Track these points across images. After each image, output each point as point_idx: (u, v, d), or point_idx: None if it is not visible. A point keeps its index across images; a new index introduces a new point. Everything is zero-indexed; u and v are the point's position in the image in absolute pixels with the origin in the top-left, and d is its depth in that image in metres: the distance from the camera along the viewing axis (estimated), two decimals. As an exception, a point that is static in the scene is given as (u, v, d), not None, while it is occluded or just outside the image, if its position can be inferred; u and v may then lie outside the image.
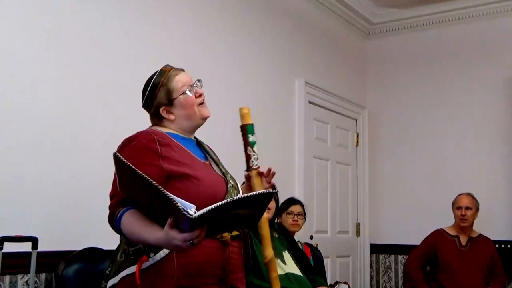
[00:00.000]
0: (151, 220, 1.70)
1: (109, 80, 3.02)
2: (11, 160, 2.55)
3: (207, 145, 2.12)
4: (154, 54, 3.28)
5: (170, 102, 1.98)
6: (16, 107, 2.59)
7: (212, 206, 1.50)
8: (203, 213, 1.49)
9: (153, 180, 1.56)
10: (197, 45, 3.61)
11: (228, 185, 1.95)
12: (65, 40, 2.82)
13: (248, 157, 2.14)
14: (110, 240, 2.82)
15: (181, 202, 1.51)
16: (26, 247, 2.46)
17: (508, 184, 4.89)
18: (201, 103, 2.01)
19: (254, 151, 2.13)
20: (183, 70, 2.06)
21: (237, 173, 2.16)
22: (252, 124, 2.17)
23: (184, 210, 1.49)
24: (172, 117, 1.98)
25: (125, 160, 1.59)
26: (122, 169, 1.62)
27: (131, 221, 1.72)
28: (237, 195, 1.94)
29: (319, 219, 4.83)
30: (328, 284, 3.72)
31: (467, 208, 4.23)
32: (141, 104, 3.20)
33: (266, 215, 2.20)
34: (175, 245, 1.58)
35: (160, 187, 1.53)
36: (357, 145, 5.46)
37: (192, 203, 1.61)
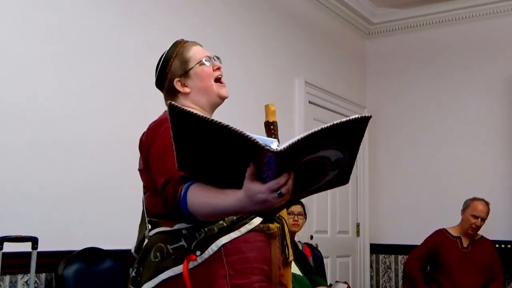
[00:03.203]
0: (222, 188, 1.43)
1: (109, 80, 3.02)
2: (11, 160, 2.55)
3: None
4: (155, 54, 3.27)
5: (185, 72, 1.82)
6: (16, 107, 2.59)
7: (300, 136, 1.22)
8: (289, 145, 1.21)
9: None
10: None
11: None
12: (65, 40, 2.82)
13: None
14: (110, 240, 2.84)
15: (260, 139, 1.25)
16: (26, 247, 2.46)
17: (509, 184, 4.89)
18: (219, 79, 1.85)
19: None
20: (199, 43, 1.92)
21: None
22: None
23: (265, 145, 1.22)
24: (187, 89, 1.82)
25: (183, 107, 1.32)
26: (181, 123, 1.33)
27: (201, 193, 1.45)
28: None
29: (319, 219, 4.83)
30: (328, 284, 3.72)
31: (483, 219, 4.14)
32: (141, 103, 3.22)
33: (285, 211, 2.18)
34: (260, 200, 1.30)
35: (230, 125, 1.26)
36: (357, 145, 5.45)
37: None
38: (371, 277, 5.47)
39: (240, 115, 3.93)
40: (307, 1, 4.81)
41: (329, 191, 4.98)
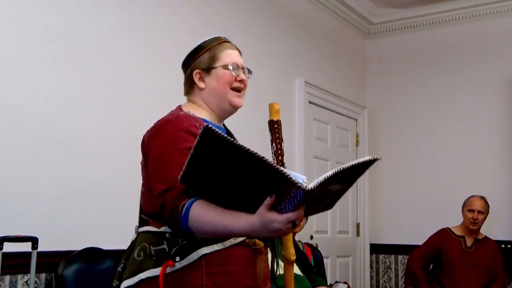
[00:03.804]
0: (227, 208, 1.46)
1: (109, 80, 3.02)
2: (11, 160, 2.55)
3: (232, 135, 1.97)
4: (155, 54, 3.28)
5: (208, 68, 1.80)
6: (16, 107, 2.59)
7: (327, 175, 1.31)
8: (318, 184, 1.30)
9: None
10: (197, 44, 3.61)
11: None
12: (65, 40, 2.82)
13: (282, 153, 2.03)
14: (110, 240, 2.83)
15: (292, 174, 1.31)
16: (26, 247, 2.46)
17: (509, 183, 4.89)
18: (237, 89, 1.83)
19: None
20: (239, 50, 1.91)
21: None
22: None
23: (298, 182, 1.28)
24: (202, 85, 1.81)
25: (218, 132, 1.34)
26: (211, 145, 1.36)
27: (206, 211, 1.46)
28: None
29: (319, 219, 4.82)
30: (328, 284, 3.72)
31: (479, 212, 4.18)
32: (141, 103, 3.22)
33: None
34: (275, 229, 1.36)
35: (264, 157, 1.32)
36: (357, 145, 5.46)
37: None
38: (371, 277, 5.47)
39: (240, 115, 3.93)
40: (307, 1, 4.80)
41: (329, 191, 4.98)
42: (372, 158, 1.42)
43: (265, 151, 3.80)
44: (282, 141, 2.07)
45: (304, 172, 4.53)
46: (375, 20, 5.57)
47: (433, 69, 5.33)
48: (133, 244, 1.73)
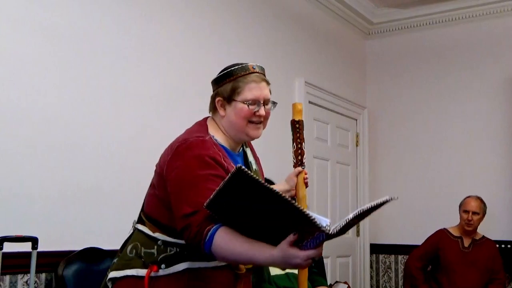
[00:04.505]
0: (250, 238, 1.55)
1: (110, 81, 3.02)
2: (11, 160, 2.55)
3: (251, 150, 2.04)
4: (155, 54, 3.28)
5: (229, 99, 1.83)
6: (16, 107, 2.58)
7: (348, 218, 1.44)
8: (341, 228, 1.43)
9: None
10: (197, 45, 3.61)
11: None
12: (65, 40, 2.82)
13: (302, 153, 2.09)
14: (110, 240, 2.83)
15: (317, 217, 1.42)
16: (26, 247, 2.46)
17: (510, 183, 4.88)
18: (255, 122, 1.85)
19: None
20: (266, 81, 1.90)
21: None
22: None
23: (322, 226, 1.41)
24: (222, 113, 1.85)
25: (251, 174, 1.44)
26: (241, 184, 1.46)
27: (230, 238, 1.54)
28: None
29: (319, 219, 4.82)
30: (328, 284, 3.72)
31: (474, 213, 4.18)
32: (140, 103, 3.22)
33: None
34: (295, 264, 1.47)
35: (291, 200, 1.43)
36: (357, 145, 5.46)
37: None
38: (371, 277, 5.47)
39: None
40: (307, 1, 4.80)
41: (329, 191, 4.99)
42: (390, 198, 1.50)
43: (266, 149, 3.80)
44: (303, 141, 2.12)
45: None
46: (375, 20, 5.57)
47: (433, 69, 5.33)
48: (129, 238, 1.85)
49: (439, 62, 5.32)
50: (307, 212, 1.40)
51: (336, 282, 4.29)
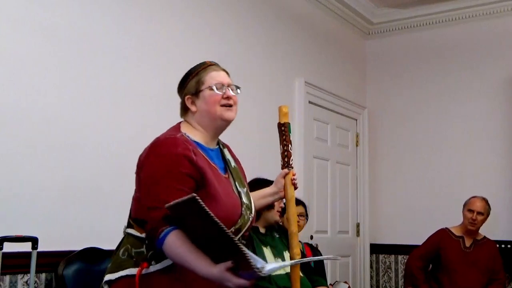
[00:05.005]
0: (195, 247, 1.70)
1: (110, 80, 3.02)
2: (11, 160, 2.55)
3: (228, 150, 2.10)
4: (154, 55, 3.28)
5: (196, 92, 1.95)
6: (16, 107, 2.58)
7: (284, 264, 1.73)
8: (272, 269, 1.62)
9: (189, 192, 1.66)
10: (197, 45, 3.61)
11: (243, 208, 1.93)
12: (65, 40, 2.82)
13: (289, 154, 2.17)
14: (110, 240, 2.83)
15: (252, 258, 1.59)
16: (26, 247, 2.46)
17: (510, 183, 4.88)
18: (226, 105, 1.95)
19: (292, 149, 2.19)
20: (225, 71, 2.03)
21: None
22: (290, 123, 2.20)
23: (255, 267, 1.57)
24: (194, 108, 1.96)
25: (204, 205, 1.57)
26: (194, 209, 1.59)
27: (179, 244, 1.69)
28: (249, 214, 1.96)
29: (319, 219, 4.83)
30: (328, 284, 3.71)
31: (478, 213, 4.16)
32: (142, 103, 3.22)
33: (295, 211, 2.22)
34: (227, 286, 1.65)
35: (234, 238, 1.58)
36: (357, 145, 5.46)
37: None
38: (371, 277, 5.47)
39: (240, 115, 3.93)
40: (307, 1, 4.80)
41: (329, 191, 4.99)
42: (332, 257, 1.78)
43: (266, 149, 3.79)
44: (289, 143, 2.19)
45: (304, 172, 4.53)
46: (375, 20, 5.57)
47: (433, 69, 5.33)
48: (120, 243, 1.93)
49: (439, 62, 5.32)
50: (247, 252, 1.57)
51: (336, 282, 4.29)
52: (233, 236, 1.59)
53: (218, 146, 2.05)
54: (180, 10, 3.52)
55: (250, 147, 3.87)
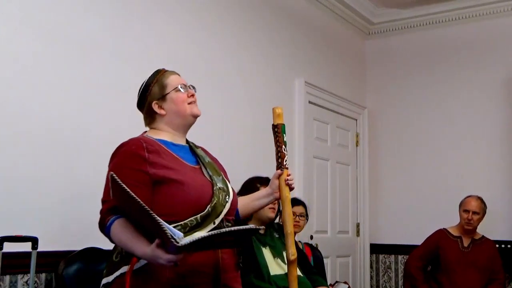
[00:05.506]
0: (139, 232, 1.81)
1: (110, 80, 3.02)
2: (11, 160, 2.55)
3: (201, 149, 2.20)
4: (154, 55, 3.28)
5: (163, 96, 2.08)
6: (16, 107, 2.58)
7: (198, 237, 1.65)
8: (189, 243, 1.63)
9: (140, 185, 1.80)
10: (197, 45, 3.61)
11: (214, 188, 2.01)
12: (65, 40, 2.82)
13: (283, 155, 2.20)
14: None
15: (170, 229, 1.63)
16: (26, 247, 2.46)
17: (509, 183, 4.89)
18: (192, 102, 2.11)
19: (286, 150, 2.23)
20: (179, 75, 2.18)
21: (232, 171, 2.15)
22: (284, 124, 2.24)
23: (172, 237, 1.61)
24: (163, 112, 2.08)
25: (120, 182, 1.69)
26: (117, 188, 1.72)
27: (121, 230, 1.84)
28: (225, 197, 2.03)
29: (319, 219, 4.83)
30: (328, 284, 3.71)
31: (474, 212, 4.18)
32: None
33: (290, 211, 2.22)
34: (159, 263, 1.73)
35: (151, 212, 1.64)
36: (357, 145, 5.46)
37: (178, 206, 1.85)
38: (371, 277, 5.47)
39: (240, 115, 3.93)
40: (307, 1, 4.80)
41: (329, 191, 4.99)
42: (252, 228, 1.73)
43: (266, 149, 3.80)
44: (282, 144, 2.21)
45: (304, 172, 4.53)
46: (375, 20, 5.57)
47: (433, 69, 5.33)
48: (114, 249, 2.01)
49: (439, 62, 5.32)
50: (163, 224, 1.62)
51: (336, 282, 4.29)
52: (149, 209, 1.65)
53: (188, 144, 2.16)
54: (180, 10, 3.52)
55: (250, 147, 3.87)
